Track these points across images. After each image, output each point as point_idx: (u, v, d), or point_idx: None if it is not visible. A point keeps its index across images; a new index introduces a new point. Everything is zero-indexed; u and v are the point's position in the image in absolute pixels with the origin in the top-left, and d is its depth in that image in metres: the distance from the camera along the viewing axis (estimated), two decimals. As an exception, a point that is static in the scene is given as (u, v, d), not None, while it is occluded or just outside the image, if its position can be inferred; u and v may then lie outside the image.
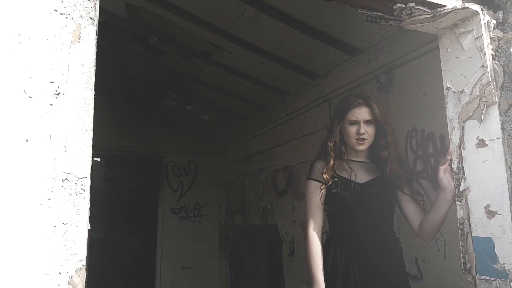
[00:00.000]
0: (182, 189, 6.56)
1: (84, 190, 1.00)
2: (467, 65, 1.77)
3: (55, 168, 0.98)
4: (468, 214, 1.73)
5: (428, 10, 1.74)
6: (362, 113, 1.96)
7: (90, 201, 1.06)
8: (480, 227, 1.68)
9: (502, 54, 1.70)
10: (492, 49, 1.72)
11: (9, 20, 0.98)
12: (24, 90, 0.96)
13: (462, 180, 1.76)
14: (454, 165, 1.80)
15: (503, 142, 1.62)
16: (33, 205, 0.95)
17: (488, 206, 1.65)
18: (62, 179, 0.98)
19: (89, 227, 1.06)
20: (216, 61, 4.17)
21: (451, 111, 1.83)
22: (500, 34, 1.72)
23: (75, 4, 1.07)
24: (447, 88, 1.85)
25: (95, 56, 1.08)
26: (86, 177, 1.01)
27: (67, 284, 0.98)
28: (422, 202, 2.05)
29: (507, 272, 1.55)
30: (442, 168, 1.81)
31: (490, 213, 1.64)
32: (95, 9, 1.11)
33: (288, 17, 3.11)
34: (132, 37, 4.19)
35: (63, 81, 1.00)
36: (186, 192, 6.57)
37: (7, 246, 0.93)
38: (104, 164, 7.61)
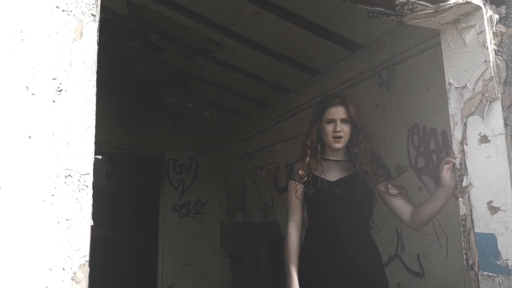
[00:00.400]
0: (183, 186, 6.56)
1: (87, 186, 1.00)
2: (469, 60, 1.77)
3: (58, 164, 0.98)
4: (471, 210, 1.72)
5: (430, 5, 1.73)
6: (338, 112, 2.05)
7: (92, 199, 1.06)
8: (482, 223, 1.67)
9: (505, 49, 1.69)
10: (494, 44, 1.71)
11: (11, 17, 0.98)
12: (27, 87, 0.96)
13: (465, 176, 1.76)
14: (457, 161, 1.80)
15: (506, 138, 1.61)
16: (37, 201, 0.95)
17: (490, 202, 1.64)
18: (65, 176, 0.98)
19: (92, 223, 1.06)
20: (216, 58, 4.16)
21: (454, 106, 1.83)
22: (503, 28, 1.72)
23: (76, 1, 1.07)
24: (450, 83, 1.85)
25: (96, 53, 1.07)
26: (89, 174, 1.01)
27: (71, 280, 0.98)
28: (405, 195, 2.10)
29: (510, 268, 1.55)
30: (446, 167, 1.81)
31: (493, 209, 1.63)
32: (97, 6, 1.11)
33: (288, 13, 3.10)
34: (132, 34, 4.18)
35: (66, 78, 0.99)
36: (187, 189, 6.57)
37: (11, 242, 0.93)
38: (105, 162, 7.61)
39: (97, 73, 1.08)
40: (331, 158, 2.12)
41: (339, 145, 2.06)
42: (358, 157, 2.05)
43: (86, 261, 1.03)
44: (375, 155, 2.13)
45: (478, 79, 1.72)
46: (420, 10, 1.75)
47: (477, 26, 1.75)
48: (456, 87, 1.81)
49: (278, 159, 4.72)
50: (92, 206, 1.06)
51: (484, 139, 1.69)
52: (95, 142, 1.06)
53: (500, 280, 1.58)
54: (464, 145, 1.77)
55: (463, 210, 1.76)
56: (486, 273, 1.64)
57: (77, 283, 1.00)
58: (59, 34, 1.01)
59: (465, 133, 1.76)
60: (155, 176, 6.81)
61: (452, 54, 1.86)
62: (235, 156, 6.09)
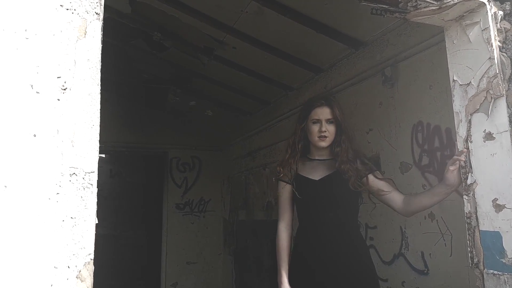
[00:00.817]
0: (186, 184, 6.56)
1: (91, 184, 1.00)
2: (474, 57, 1.76)
3: (63, 162, 0.98)
4: (476, 208, 1.72)
5: (434, 2, 1.72)
6: (324, 112, 2.12)
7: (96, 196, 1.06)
8: (487, 221, 1.67)
9: (510, 46, 1.68)
10: (499, 41, 1.70)
11: (16, 16, 0.98)
12: (32, 86, 0.96)
13: (469, 173, 1.75)
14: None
15: (511, 135, 1.61)
16: (42, 199, 0.96)
17: (495, 199, 1.63)
18: (70, 174, 0.98)
19: (97, 222, 1.06)
20: (219, 56, 4.16)
21: (458, 104, 1.82)
22: (508, 25, 1.71)
23: (80, 0, 1.07)
24: (454, 80, 1.84)
25: (100, 52, 1.07)
26: (93, 172, 1.01)
27: (76, 278, 0.98)
28: (392, 184, 2.16)
29: (515, 265, 1.55)
30: (451, 168, 1.81)
31: (498, 207, 1.62)
32: (100, 4, 1.11)
33: (291, 11, 3.10)
34: (135, 33, 4.18)
35: (70, 76, 1.00)
36: (191, 188, 6.57)
37: (17, 241, 0.94)
38: (109, 160, 7.62)
39: (100, 72, 1.08)
40: (316, 158, 2.20)
41: (324, 143, 2.13)
42: (338, 155, 2.11)
43: (91, 259, 1.04)
44: (359, 154, 2.19)
45: (483, 76, 1.71)
46: (424, 7, 1.74)
47: (481, 22, 1.74)
48: (461, 84, 1.80)
49: (281, 157, 4.71)
50: (96, 204, 1.07)
51: (488, 136, 1.68)
52: (99, 141, 1.07)
53: (506, 278, 1.57)
54: (469, 143, 1.76)
55: (468, 208, 1.75)
56: (491, 271, 1.63)
57: (82, 281, 1.00)
58: (63, 32, 1.01)
59: (470, 130, 1.76)
60: (158, 175, 6.82)
61: (456, 51, 1.85)
62: (238, 154, 6.09)
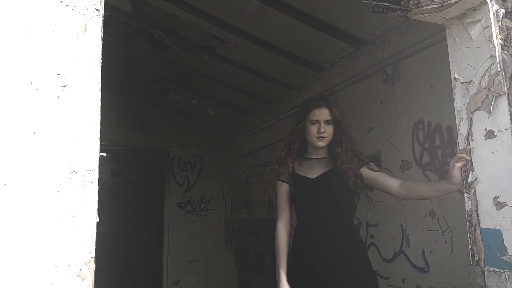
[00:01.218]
0: (187, 183, 6.56)
1: (92, 182, 1.00)
2: (475, 55, 1.75)
3: (63, 160, 0.98)
4: (477, 205, 1.71)
5: (436, 0, 1.72)
6: (322, 113, 2.16)
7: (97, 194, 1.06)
8: (488, 219, 1.66)
9: (511, 44, 1.67)
10: (501, 39, 1.70)
11: (15, 12, 0.98)
12: (31, 83, 0.96)
13: (470, 171, 1.74)
14: (463, 156, 1.79)
15: (512, 133, 1.60)
16: (42, 197, 0.95)
17: (496, 197, 1.63)
18: (70, 172, 0.98)
19: (98, 220, 1.06)
20: (220, 55, 4.15)
21: (459, 102, 1.81)
22: (509, 23, 1.70)
23: (80, -4, 1.06)
24: (455, 79, 1.83)
25: (101, 48, 1.07)
26: (94, 170, 1.01)
27: (77, 276, 0.98)
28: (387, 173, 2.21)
29: (516, 263, 1.54)
30: (457, 165, 1.78)
31: (499, 205, 1.62)
32: (100, 1, 1.10)
33: (293, 10, 3.09)
34: (136, 31, 4.18)
35: (70, 73, 0.99)
36: (192, 186, 6.58)
37: (17, 239, 0.94)
38: (110, 159, 7.62)
39: (102, 70, 1.07)
40: (313, 157, 2.23)
41: (322, 143, 2.16)
42: (339, 155, 2.14)
43: (92, 257, 1.03)
44: (356, 153, 2.22)
45: (484, 74, 1.70)
46: (426, 5, 1.74)
47: (483, 20, 1.73)
48: (462, 82, 1.80)
49: (277, 156, 4.70)
50: (97, 203, 1.06)
51: (490, 134, 1.67)
52: (100, 139, 1.06)
53: (507, 276, 1.57)
54: (470, 141, 1.75)
55: (468, 205, 1.75)
56: (492, 268, 1.63)
57: (82, 279, 1.00)
58: (63, 29, 1.00)
59: (471, 128, 1.75)
60: (160, 173, 6.82)
61: (457, 49, 1.84)
62: (239, 153, 6.09)
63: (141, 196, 7.69)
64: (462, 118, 1.79)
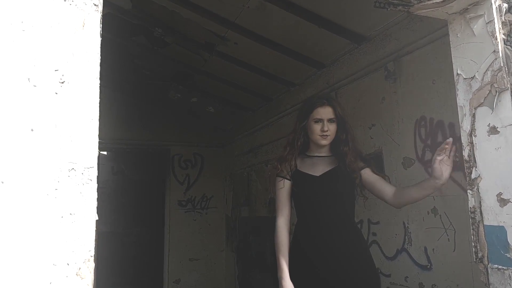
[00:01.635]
0: (188, 181, 6.56)
1: (91, 180, 0.99)
2: (478, 50, 1.73)
3: (61, 158, 0.96)
4: (480, 202, 1.70)
5: (438, -5, 1.70)
6: (326, 112, 2.17)
7: (97, 194, 1.04)
8: (492, 216, 1.65)
9: (515, 39, 1.66)
10: (504, 34, 1.68)
11: (12, 7, 0.96)
12: (29, 79, 0.94)
13: (474, 168, 1.73)
14: (465, 153, 1.77)
15: (516, 129, 1.58)
16: (40, 195, 0.94)
17: (500, 194, 1.61)
18: (69, 169, 0.96)
19: (97, 218, 1.05)
20: (221, 52, 4.13)
21: (462, 98, 1.80)
22: (513, 18, 1.68)
23: (78, -8, 1.05)
24: (458, 74, 1.81)
25: (100, 44, 1.06)
26: (93, 167, 0.99)
27: (76, 275, 0.97)
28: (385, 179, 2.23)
29: (520, 260, 1.53)
30: (438, 158, 1.83)
31: (503, 201, 1.60)
32: (99, -3, 1.09)
33: (293, 6, 3.07)
34: (136, 29, 4.16)
35: (68, 69, 0.98)
36: (193, 185, 6.57)
37: (14, 238, 0.92)
38: (111, 158, 7.61)
39: (101, 68, 1.06)
40: (316, 155, 2.23)
41: (325, 141, 2.17)
42: (347, 154, 2.15)
43: (91, 256, 1.02)
44: (359, 152, 2.25)
45: (487, 70, 1.69)
46: (428, 0, 1.72)
47: (485, 15, 1.71)
48: (465, 78, 1.78)
49: (279, 154, 4.68)
50: (98, 201, 1.05)
51: (493, 130, 1.66)
52: (100, 138, 1.05)
53: (510, 273, 1.55)
54: (473, 137, 1.74)
55: (472, 202, 1.73)
56: (496, 266, 1.61)
57: (82, 278, 0.99)
58: (61, 24, 0.99)
59: (474, 124, 1.73)
60: (161, 172, 6.81)
61: (460, 44, 1.82)
62: (240, 151, 6.08)
63: (142, 195, 7.67)
64: (465, 114, 1.78)
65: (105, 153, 7.17)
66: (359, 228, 2.24)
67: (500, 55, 1.64)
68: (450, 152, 1.86)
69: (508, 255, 1.57)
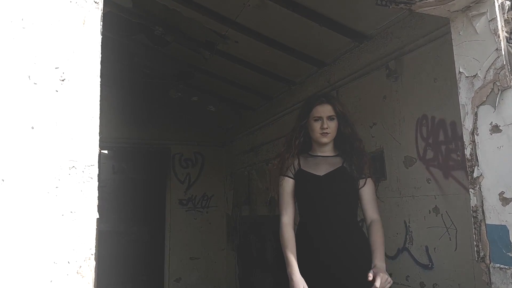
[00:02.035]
0: (189, 180, 6.55)
1: (91, 178, 0.98)
2: (480, 48, 1.73)
3: (62, 155, 0.96)
4: (482, 201, 1.69)
5: (440, -7, 1.69)
6: (325, 110, 2.17)
7: (98, 192, 1.03)
8: (494, 215, 1.64)
9: (517, 37, 1.65)
10: (506, 32, 1.67)
11: (12, 5, 0.95)
12: (29, 77, 0.94)
13: (476, 167, 1.72)
14: (467, 152, 1.76)
15: (518, 127, 1.58)
16: (40, 193, 0.94)
17: (502, 193, 1.61)
18: (69, 167, 0.96)
19: (98, 216, 1.04)
20: (221, 51, 4.13)
21: (464, 96, 1.79)
22: (515, 16, 1.67)
23: (79, -11, 1.04)
24: (460, 72, 1.81)
25: (100, 42, 1.05)
26: (93, 165, 0.99)
27: (76, 274, 0.96)
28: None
29: (523, 259, 1.52)
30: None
31: (505, 200, 1.60)
32: (100, -6, 1.08)
33: (294, 4, 3.06)
34: (137, 28, 4.15)
35: (68, 67, 0.97)
36: (193, 184, 6.56)
37: (15, 236, 0.92)
38: (111, 157, 7.60)
39: (102, 67, 1.05)
40: (319, 154, 2.23)
41: (325, 139, 2.17)
42: (357, 151, 2.17)
43: (92, 254, 1.02)
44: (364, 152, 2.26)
45: (489, 68, 1.68)
46: (430, -2, 1.71)
47: (488, 13, 1.71)
48: (467, 76, 1.78)
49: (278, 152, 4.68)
50: (99, 200, 1.04)
51: (495, 129, 1.65)
52: (100, 137, 1.04)
53: (513, 272, 1.55)
54: (475, 135, 1.73)
55: (474, 201, 1.73)
56: (498, 265, 1.61)
57: (82, 276, 0.98)
58: (61, 22, 0.98)
59: (476, 123, 1.73)
60: (161, 171, 6.80)
61: (462, 42, 1.82)
62: (241, 150, 6.07)
63: (143, 194, 7.66)
64: (467, 113, 1.77)
65: (105, 152, 7.17)
66: (361, 227, 2.23)
67: (503, 53, 1.64)
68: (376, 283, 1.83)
69: (510, 254, 1.56)
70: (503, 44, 1.65)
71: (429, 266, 2.64)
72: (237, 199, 6.16)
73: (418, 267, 2.73)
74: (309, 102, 2.27)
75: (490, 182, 1.67)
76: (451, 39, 1.89)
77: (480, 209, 1.70)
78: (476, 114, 1.73)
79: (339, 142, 2.22)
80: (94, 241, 1.03)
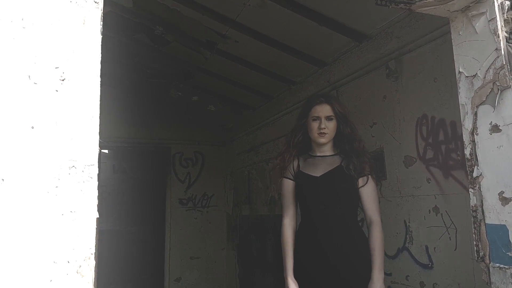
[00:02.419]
0: (189, 180, 6.56)
1: (91, 177, 0.98)
2: (480, 48, 1.73)
3: (62, 155, 0.96)
4: (482, 201, 1.69)
5: (440, -8, 1.69)
6: (323, 110, 2.18)
7: (98, 192, 1.04)
8: (494, 214, 1.64)
9: (517, 37, 1.65)
10: (506, 32, 1.67)
11: (12, 5, 0.96)
12: (29, 76, 0.94)
13: (475, 166, 1.72)
14: (467, 151, 1.77)
15: (518, 127, 1.58)
16: (40, 193, 0.94)
17: (502, 192, 1.61)
18: (69, 167, 0.96)
19: (98, 216, 1.04)
20: (221, 50, 4.13)
21: (464, 96, 1.79)
22: (515, 15, 1.67)
23: (79, -11, 1.04)
24: (460, 72, 1.81)
25: (100, 41, 1.05)
26: (93, 165, 0.99)
27: (76, 273, 0.96)
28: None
29: (522, 259, 1.52)
30: None
31: (504, 200, 1.60)
32: (100, -6, 1.08)
33: (294, 4, 3.06)
34: (137, 27, 4.15)
35: (69, 66, 0.97)
36: (194, 183, 6.57)
37: (15, 235, 0.92)
38: (112, 156, 7.61)
39: (102, 66, 1.05)
40: (318, 155, 2.23)
41: (323, 139, 2.17)
42: (357, 151, 2.17)
43: (92, 253, 1.02)
44: (366, 151, 2.27)
45: (489, 68, 1.68)
46: (429, -2, 1.71)
47: (487, 13, 1.71)
48: (466, 76, 1.78)
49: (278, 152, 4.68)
50: (99, 200, 1.05)
51: (495, 128, 1.65)
52: (101, 136, 1.04)
53: (512, 272, 1.55)
54: (475, 135, 1.73)
55: (473, 201, 1.73)
56: (498, 264, 1.61)
57: (82, 276, 0.99)
58: (61, 21, 0.98)
59: (476, 122, 1.73)
60: (161, 170, 6.81)
61: (462, 42, 1.82)
62: (241, 149, 6.07)
63: (143, 193, 7.67)
64: (467, 113, 1.77)
65: (106, 151, 7.17)
66: (360, 227, 2.23)
67: (503, 52, 1.64)
68: None
69: (510, 254, 1.56)
70: (502, 44, 1.65)
71: (429, 265, 2.64)
72: (237, 198, 6.17)
73: (418, 267, 2.73)
74: (308, 102, 2.29)
75: (489, 182, 1.67)
76: (451, 39, 1.89)
77: (480, 208, 1.70)
78: (475, 114, 1.73)
79: (339, 142, 2.23)
80: (94, 240, 1.03)
